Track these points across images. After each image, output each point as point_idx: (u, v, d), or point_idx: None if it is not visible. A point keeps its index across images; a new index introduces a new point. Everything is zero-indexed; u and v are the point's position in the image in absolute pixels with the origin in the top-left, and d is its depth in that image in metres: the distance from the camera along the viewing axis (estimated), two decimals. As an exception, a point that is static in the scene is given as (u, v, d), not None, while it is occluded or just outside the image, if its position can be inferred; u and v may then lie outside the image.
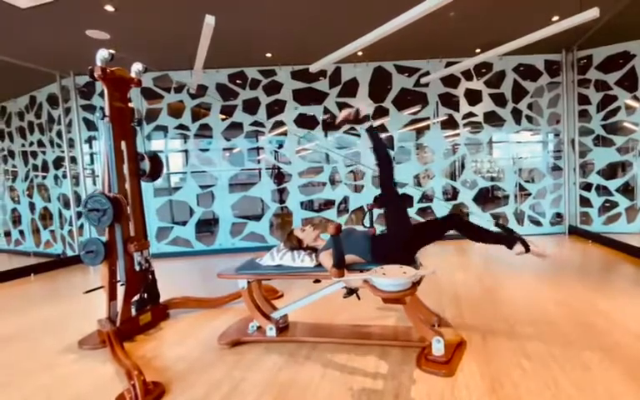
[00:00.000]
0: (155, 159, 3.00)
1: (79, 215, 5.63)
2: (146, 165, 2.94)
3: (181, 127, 5.49)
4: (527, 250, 2.13)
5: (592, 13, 3.04)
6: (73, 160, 5.57)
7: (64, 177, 5.67)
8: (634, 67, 4.87)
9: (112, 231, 2.67)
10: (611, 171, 5.42)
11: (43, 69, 5.08)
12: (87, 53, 4.50)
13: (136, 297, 2.78)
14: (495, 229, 2.30)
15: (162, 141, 5.91)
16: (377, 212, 2.81)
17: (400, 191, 2.44)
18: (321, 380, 2.01)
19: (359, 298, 2.27)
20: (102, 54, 2.62)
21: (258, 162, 6.11)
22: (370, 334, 2.47)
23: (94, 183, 6.18)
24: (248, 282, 2.44)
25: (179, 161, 7.15)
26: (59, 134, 5.60)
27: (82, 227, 5.64)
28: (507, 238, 2.17)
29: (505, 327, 2.50)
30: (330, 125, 5.68)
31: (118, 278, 2.73)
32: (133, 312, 2.75)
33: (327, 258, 2.17)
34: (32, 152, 6.09)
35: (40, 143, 5.95)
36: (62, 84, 5.41)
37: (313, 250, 2.41)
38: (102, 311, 2.71)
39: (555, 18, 3.97)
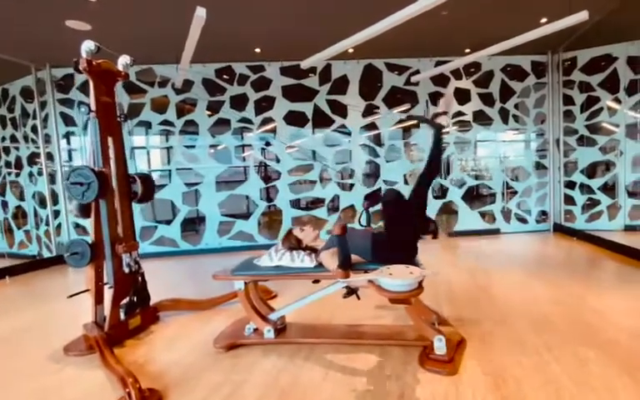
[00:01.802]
0: (147, 181, 2.88)
1: (56, 214, 5.38)
2: (138, 187, 2.81)
3: (165, 122, 5.32)
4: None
5: (582, 16, 3.10)
6: (50, 156, 5.30)
7: (39, 174, 5.40)
8: (616, 70, 5.05)
9: (99, 226, 2.54)
10: (591, 170, 5.59)
11: (17, 61, 4.81)
12: (65, 45, 4.31)
13: (125, 300, 2.66)
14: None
15: (145, 137, 5.71)
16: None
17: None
18: (323, 381, 1.97)
19: (359, 298, 2.25)
20: (88, 46, 2.47)
21: (244, 159, 6.00)
22: (369, 334, 2.45)
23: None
24: (245, 284, 2.37)
25: (163, 158, 6.95)
26: (34, 129, 5.32)
27: (59, 226, 5.39)
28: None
29: (502, 325, 2.52)
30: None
31: (106, 281, 2.61)
32: (122, 316, 2.63)
33: (328, 258, 2.12)
34: (4, 148, 5.77)
35: (13, 138, 5.64)
36: (37, 77, 5.15)
37: (313, 250, 2.36)
38: (86, 315, 2.60)
39: (543, 20, 4.05)
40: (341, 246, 1.95)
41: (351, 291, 2.16)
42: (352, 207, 5.56)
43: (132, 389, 1.81)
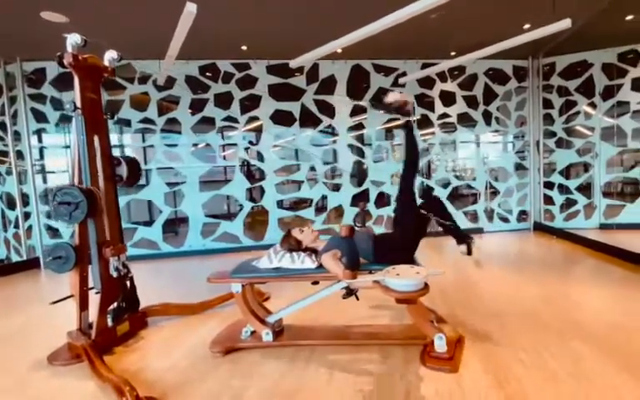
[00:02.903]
0: (133, 163, 2.77)
1: (27, 215, 5.08)
2: (123, 170, 2.69)
3: (146, 120, 5.13)
4: (469, 254, 2.30)
5: (564, 24, 3.21)
6: (20, 155, 5.00)
7: (8, 173, 5.08)
8: (592, 76, 5.29)
9: (84, 229, 2.41)
10: (568, 171, 5.83)
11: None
12: (38, 37, 4.08)
13: (112, 306, 2.54)
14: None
15: (126, 135, 5.47)
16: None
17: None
18: (328, 384, 1.95)
19: (358, 299, 2.23)
20: (74, 39, 2.34)
21: (224, 158, 5.87)
22: (368, 334, 2.44)
23: (44, 181, 5.64)
24: (242, 286, 2.31)
25: (140, 157, 6.72)
26: (2, 126, 5.01)
27: (29, 229, 5.09)
28: (461, 235, 2.33)
29: (496, 322, 2.57)
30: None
31: (92, 285, 2.47)
32: (110, 322, 2.50)
33: (330, 260, 2.10)
34: (-32, 146, 5.39)
35: (-22, 136, 5.29)
36: (6, 71, 4.85)
37: (313, 251, 2.32)
38: (67, 321, 2.47)
39: (526, 26, 4.17)
40: (349, 247, 1.92)
41: (350, 291, 2.14)
42: (339, 207, 5.55)
43: (130, 398, 1.72)
